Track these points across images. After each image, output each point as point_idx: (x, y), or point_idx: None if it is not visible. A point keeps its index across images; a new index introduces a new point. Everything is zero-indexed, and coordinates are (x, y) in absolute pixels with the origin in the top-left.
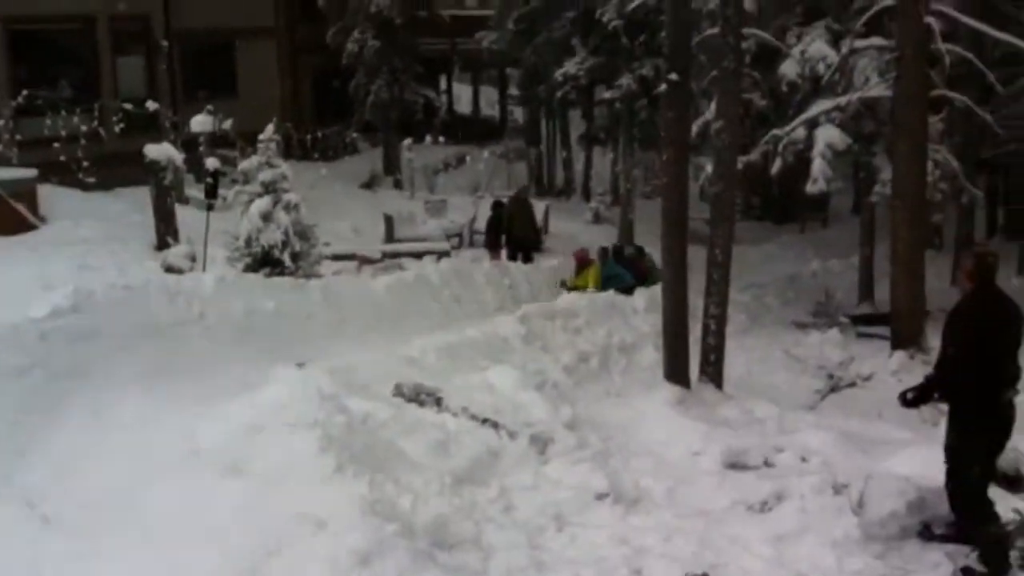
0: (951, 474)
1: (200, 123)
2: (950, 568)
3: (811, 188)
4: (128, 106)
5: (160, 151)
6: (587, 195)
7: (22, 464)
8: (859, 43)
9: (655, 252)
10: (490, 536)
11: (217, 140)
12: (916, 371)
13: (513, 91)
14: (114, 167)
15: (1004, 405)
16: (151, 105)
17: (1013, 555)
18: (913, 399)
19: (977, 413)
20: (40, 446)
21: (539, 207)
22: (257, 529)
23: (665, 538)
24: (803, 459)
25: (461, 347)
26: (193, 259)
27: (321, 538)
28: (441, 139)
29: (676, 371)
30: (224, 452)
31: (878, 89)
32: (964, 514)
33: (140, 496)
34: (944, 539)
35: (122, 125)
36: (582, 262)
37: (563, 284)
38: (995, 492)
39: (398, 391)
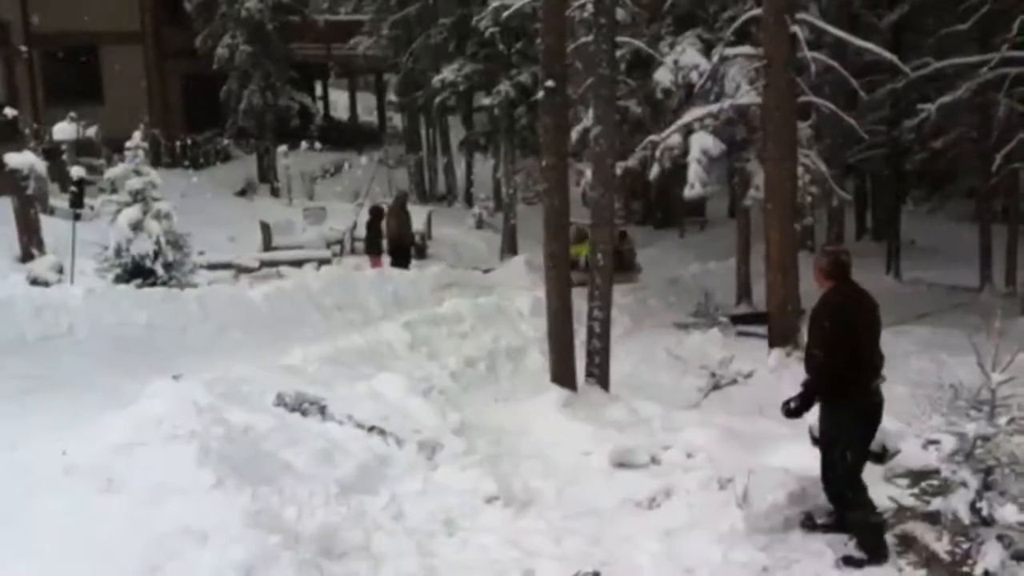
0: (828, 465)
1: (63, 130)
2: (832, 557)
3: (688, 193)
4: None
5: (21, 160)
6: (469, 201)
7: None
8: (729, 51)
9: (537, 255)
10: (380, 544)
11: (82, 148)
12: (793, 367)
13: (392, 97)
14: None
15: (874, 392)
16: (9, 112)
17: (890, 541)
18: (796, 408)
19: (851, 403)
20: None
21: (422, 213)
22: (138, 545)
23: (556, 539)
24: (689, 456)
25: (345, 355)
26: (60, 271)
27: (203, 552)
28: (318, 145)
29: (562, 374)
30: (101, 469)
31: (748, 96)
32: (841, 502)
33: (16, 514)
34: (826, 528)
35: None
36: (580, 235)
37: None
38: (869, 479)
39: (280, 401)
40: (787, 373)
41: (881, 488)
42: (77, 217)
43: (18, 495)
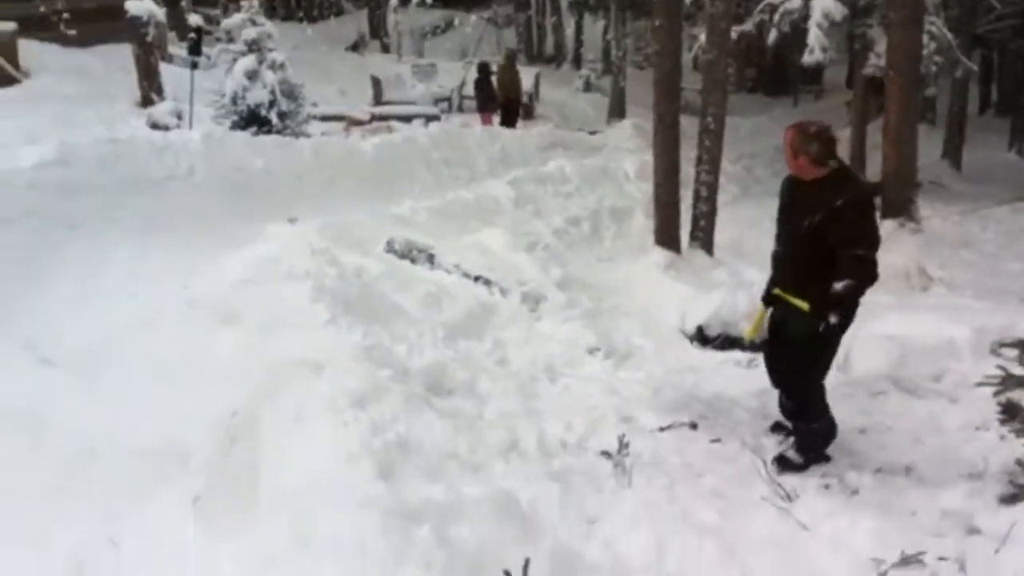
0: (810, 372)
1: None
2: (933, 422)
3: (807, 59)
4: None
5: (141, 7)
6: (578, 63)
7: (19, 311)
8: None
9: (645, 120)
10: (484, 385)
11: None
12: (905, 240)
13: None
14: (94, 22)
15: None
16: None
17: (994, 409)
18: (836, 323)
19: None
20: (36, 294)
21: (530, 74)
22: (255, 372)
23: (654, 390)
24: None
25: (452, 208)
26: (179, 116)
27: (318, 381)
28: (428, 1)
29: (667, 236)
30: (219, 303)
31: None
32: (805, 413)
33: (138, 341)
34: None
35: None
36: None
37: None
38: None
39: (390, 247)
40: (899, 245)
41: (988, 359)
42: (195, 65)
43: (140, 325)
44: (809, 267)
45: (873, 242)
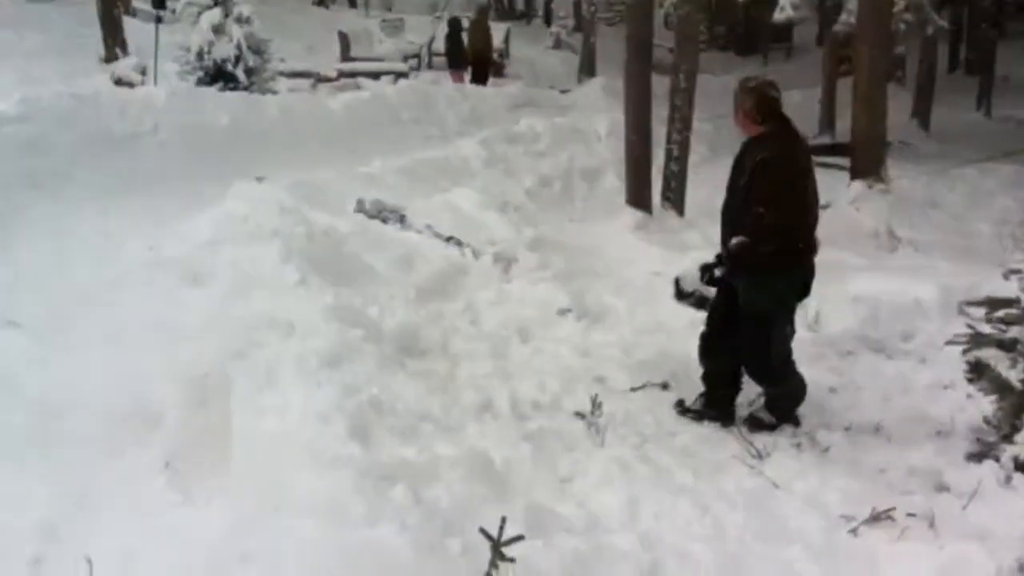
0: (760, 347)
1: None
2: (901, 381)
3: (778, 16)
4: None
5: None
6: (548, 19)
7: None
8: None
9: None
10: (457, 345)
11: None
12: (873, 200)
13: None
14: None
15: (811, 257)
16: None
17: (962, 368)
18: (720, 277)
19: (794, 274)
20: (1, 256)
21: (500, 30)
22: (225, 333)
23: (626, 351)
24: None
25: (422, 167)
26: (143, 72)
27: (289, 341)
28: None
29: (638, 196)
30: (187, 262)
31: None
32: (769, 378)
33: (105, 302)
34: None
35: None
36: None
37: None
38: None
39: (360, 207)
40: (867, 206)
41: (956, 319)
42: (159, 20)
43: (106, 286)
44: (736, 222)
45: (779, 203)
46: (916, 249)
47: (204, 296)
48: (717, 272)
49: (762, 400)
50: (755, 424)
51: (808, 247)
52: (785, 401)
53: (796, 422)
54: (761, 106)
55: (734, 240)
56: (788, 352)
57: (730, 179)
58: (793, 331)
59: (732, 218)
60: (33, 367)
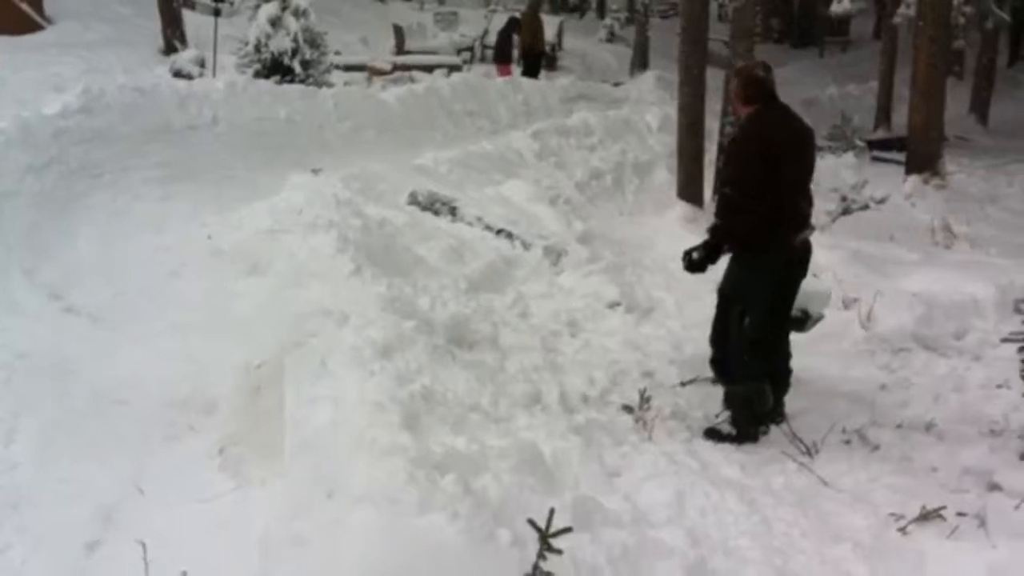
0: (723, 325)
1: None
2: (952, 378)
3: (835, 8)
4: None
5: None
6: (602, 12)
7: (44, 259)
8: None
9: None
10: (507, 338)
11: None
12: (930, 195)
13: None
14: None
15: (799, 245)
16: None
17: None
18: (700, 259)
19: (768, 257)
20: (61, 243)
21: (553, 23)
22: (281, 322)
23: (675, 345)
24: (814, 275)
25: (475, 159)
26: (202, 64)
27: (344, 331)
28: None
29: (689, 190)
30: (244, 253)
31: None
32: (728, 372)
33: (163, 290)
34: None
35: None
36: None
37: None
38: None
39: (413, 199)
40: (923, 201)
41: (1012, 317)
42: (217, 12)
43: (165, 275)
44: None
45: (738, 183)
46: (972, 245)
47: (261, 285)
48: (694, 256)
49: (727, 414)
50: (713, 436)
51: (788, 228)
52: (743, 410)
53: (755, 438)
54: (746, 87)
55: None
56: (752, 346)
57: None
58: (791, 327)
59: (719, 198)
60: (93, 353)
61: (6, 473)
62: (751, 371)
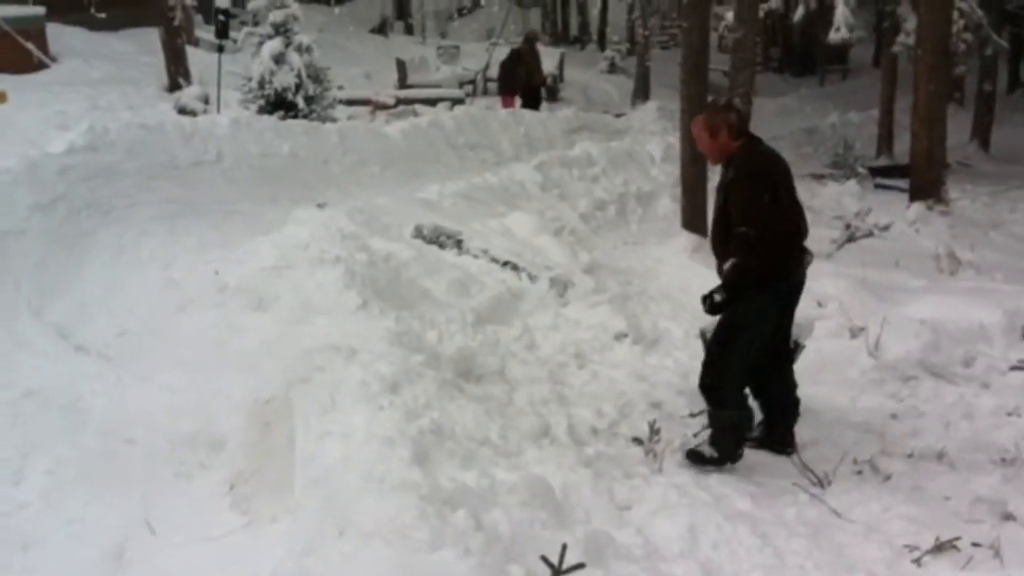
0: (724, 355)
1: None
2: (962, 407)
3: (833, 36)
4: None
5: None
6: (602, 44)
7: (52, 296)
8: None
9: (669, 102)
10: (514, 370)
11: None
12: (933, 222)
13: None
14: (122, 6)
15: (802, 271)
16: None
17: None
18: (723, 301)
19: (775, 287)
20: (68, 280)
21: (554, 55)
22: (288, 358)
23: (683, 375)
24: (819, 304)
25: (479, 192)
26: (206, 101)
27: (351, 366)
28: None
29: (693, 220)
30: (250, 288)
31: None
32: (716, 397)
33: (170, 328)
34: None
35: None
36: None
37: None
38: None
39: (418, 232)
40: (927, 228)
41: (1020, 344)
42: (221, 49)
43: (172, 310)
44: (726, 245)
45: (754, 220)
46: (978, 271)
47: (268, 320)
48: (717, 298)
49: (707, 434)
50: (695, 459)
51: (796, 258)
52: (726, 433)
53: (735, 460)
54: (738, 124)
55: (726, 264)
56: (742, 374)
57: (716, 205)
58: (791, 356)
59: (720, 242)
60: (101, 391)
61: (15, 513)
62: (739, 398)
